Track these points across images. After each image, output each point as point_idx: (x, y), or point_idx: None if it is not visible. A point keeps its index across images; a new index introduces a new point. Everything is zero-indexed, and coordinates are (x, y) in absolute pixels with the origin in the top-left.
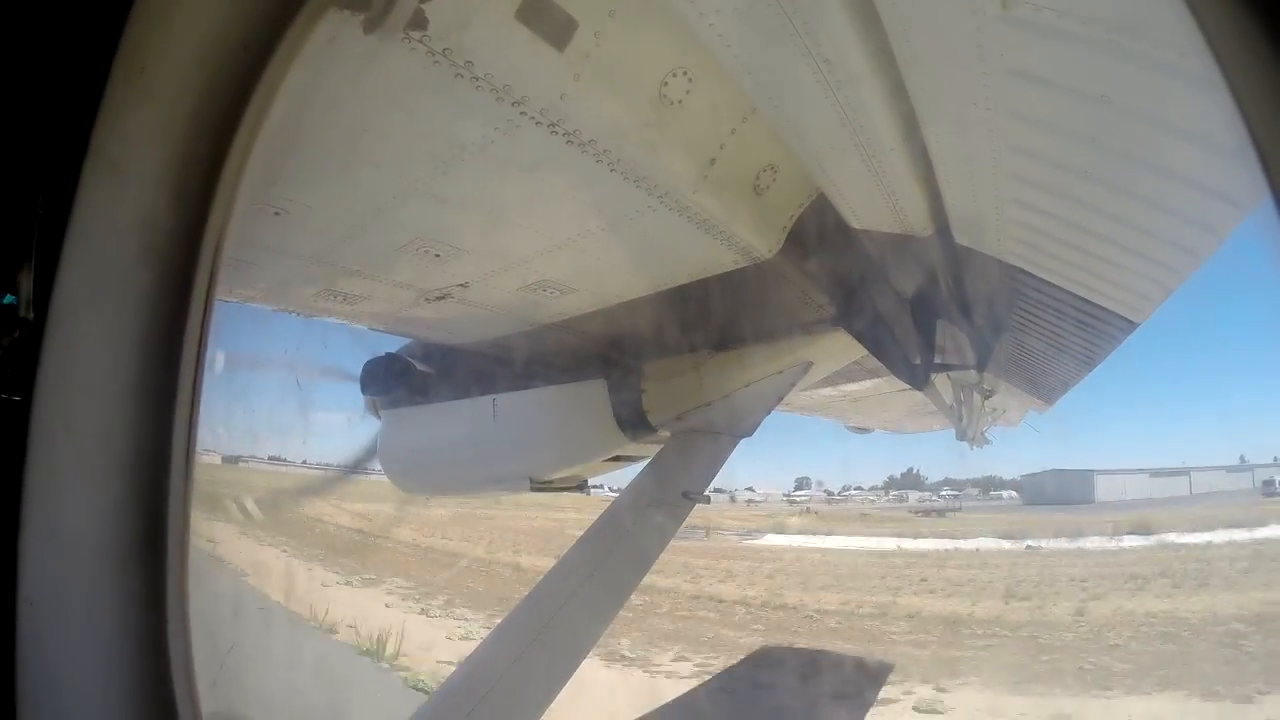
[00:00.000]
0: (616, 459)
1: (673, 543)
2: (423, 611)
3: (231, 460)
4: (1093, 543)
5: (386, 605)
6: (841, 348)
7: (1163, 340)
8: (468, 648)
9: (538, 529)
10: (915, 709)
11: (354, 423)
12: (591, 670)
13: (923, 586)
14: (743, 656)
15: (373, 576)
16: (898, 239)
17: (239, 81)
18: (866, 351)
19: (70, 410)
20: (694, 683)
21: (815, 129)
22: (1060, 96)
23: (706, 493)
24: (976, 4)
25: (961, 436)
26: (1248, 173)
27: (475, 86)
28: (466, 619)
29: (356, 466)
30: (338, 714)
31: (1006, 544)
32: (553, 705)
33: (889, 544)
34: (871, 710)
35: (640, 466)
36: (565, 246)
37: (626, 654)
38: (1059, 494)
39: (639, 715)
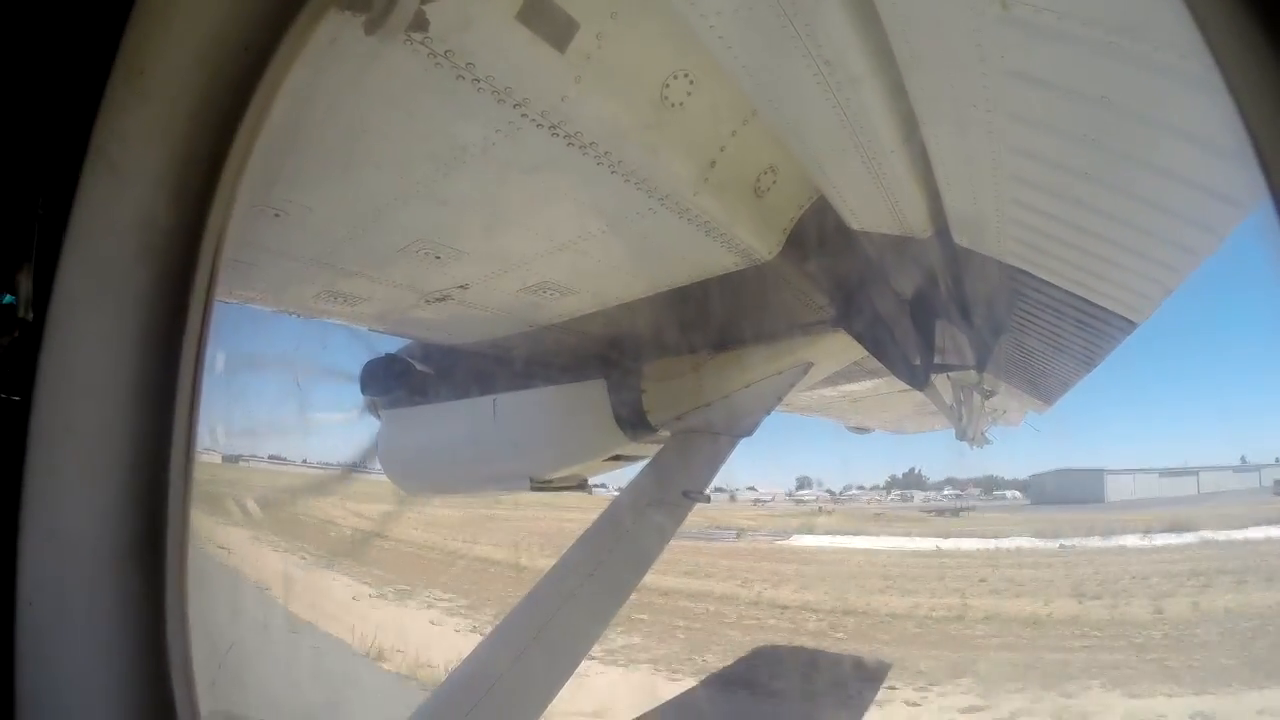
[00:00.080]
0: (616, 459)
1: (703, 545)
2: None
3: (231, 460)
4: (1131, 541)
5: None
6: (841, 349)
7: (1162, 340)
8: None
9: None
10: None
11: (354, 423)
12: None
13: (984, 587)
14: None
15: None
16: (898, 240)
17: (239, 82)
18: (866, 352)
19: (70, 410)
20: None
21: (815, 131)
22: (1060, 97)
23: (706, 492)
24: (976, 5)
25: (961, 437)
26: (1247, 173)
27: (476, 88)
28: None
29: (357, 467)
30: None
31: (1041, 543)
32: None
33: (926, 544)
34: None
35: (640, 466)
36: (566, 248)
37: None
38: (1069, 493)
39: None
